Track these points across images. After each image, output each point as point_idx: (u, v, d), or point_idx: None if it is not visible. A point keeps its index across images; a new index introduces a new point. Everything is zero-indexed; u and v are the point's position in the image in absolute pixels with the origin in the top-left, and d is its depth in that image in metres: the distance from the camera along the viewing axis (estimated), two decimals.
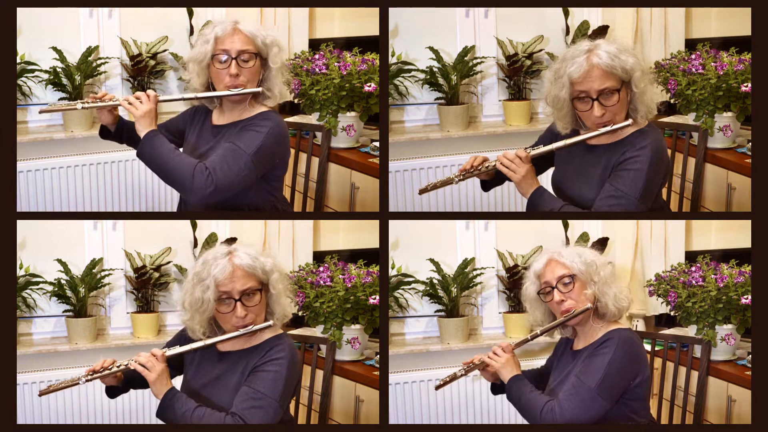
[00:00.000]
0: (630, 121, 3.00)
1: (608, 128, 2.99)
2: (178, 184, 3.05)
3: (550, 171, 3.25)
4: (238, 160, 3.05)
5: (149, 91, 3.13)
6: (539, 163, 3.19)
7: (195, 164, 3.04)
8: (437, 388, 3.18)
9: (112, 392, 3.08)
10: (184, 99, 3.20)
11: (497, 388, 3.16)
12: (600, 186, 3.02)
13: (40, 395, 2.98)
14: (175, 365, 3.04)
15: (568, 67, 2.97)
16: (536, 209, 3.10)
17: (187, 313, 2.92)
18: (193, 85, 3.18)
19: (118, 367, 2.92)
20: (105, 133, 3.28)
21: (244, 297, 2.87)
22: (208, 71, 3.13)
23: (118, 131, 3.24)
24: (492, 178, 3.27)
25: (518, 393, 2.96)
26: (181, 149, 3.24)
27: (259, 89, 3.12)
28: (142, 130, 3.08)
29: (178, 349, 2.93)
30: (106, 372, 2.92)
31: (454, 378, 3.10)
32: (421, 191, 3.27)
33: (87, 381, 2.92)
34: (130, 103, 3.10)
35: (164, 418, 2.87)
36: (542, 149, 3.12)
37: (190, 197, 3.06)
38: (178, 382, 3.01)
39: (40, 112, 3.19)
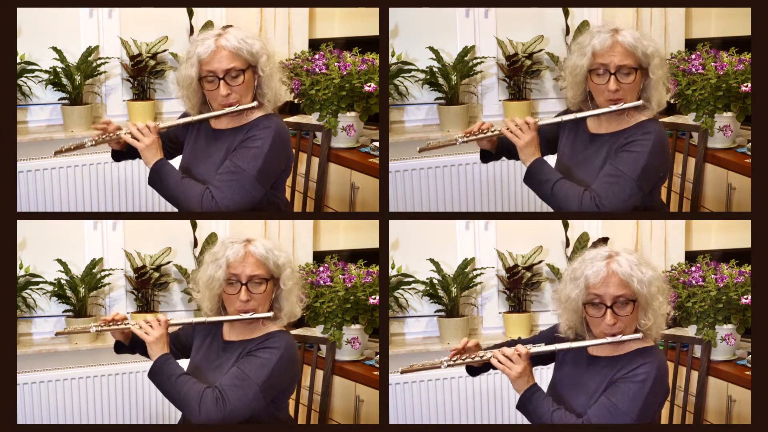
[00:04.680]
0: (641, 101, 3.02)
1: (619, 106, 3.01)
2: (188, 209, 3.11)
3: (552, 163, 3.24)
4: (243, 183, 3.07)
5: (149, 123, 3.13)
6: (542, 150, 3.18)
7: (202, 193, 3.07)
8: (403, 371, 3.04)
9: (119, 347, 3.18)
10: (184, 123, 3.18)
11: (474, 369, 3.05)
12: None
13: (56, 334, 3.18)
14: (180, 348, 3.14)
15: (594, 38, 3.01)
16: (534, 177, 3.09)
17: (199, 290, 3.01)
18: (186, 107, 3.17)
19: (126, 324, 3.03)
20: (118, 155, 3.29)
21: (251, 283, 2.93)
22: (200, 91, 3.11)
23: (130, 151, 3.25)
24: (493, 149, 3.28)
25: (538, 409, 2.83)
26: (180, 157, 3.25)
27: (254, 104, 3.10)
28: (149, 162, 3.12)
29: (181, 320, 3.06)
30: (114, 325, 3.04)
31: (433, 366, 2.97)
32: (421, 149, 3.26)
33: (98, 331, 3.06)
34: (133, 137, 3.12)
35: (154, 380, 2.95)
36: (550, 120, 3.15)
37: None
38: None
39: (56, 154, 3.23)
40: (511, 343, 3.01)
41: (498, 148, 3.30)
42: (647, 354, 2.81)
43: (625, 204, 3.00)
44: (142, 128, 3.11)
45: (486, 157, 3.34)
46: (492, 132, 3.18)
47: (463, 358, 2.97)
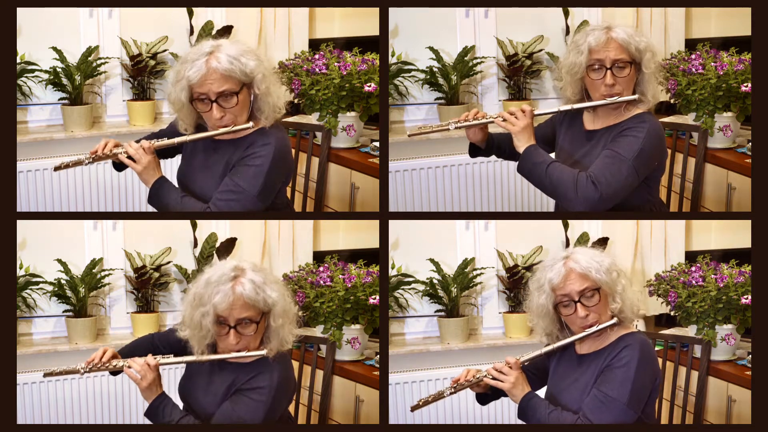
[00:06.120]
0: (637, 96, 3.09)
1: (615, 99, 3.07)
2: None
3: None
4: (244, 203, 3.03)
5: (143, 142, 3.09)
6: (540, 146, 3.19)
7: (203, 211, 3.04)
8: (413, 408, 3.05)
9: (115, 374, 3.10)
10: (179, 143, 3.12)
11: (485, 397, 3.10)
12: None
13: (44, 376, 2.99)
14: (168, 347, 3.05)
15: (588, 36, 3.09)
16: (528, 161, 3.11)
17: (187, 330, 2.89)
18: (179, 127, 3.11)
19: (114, 366, 2.91)
20: (119, 166, 3.23)
21: (240, 326, 2.82)
22: (194, 112, 3.05)
23: None
24: (483, 143, 3.30)
25: (536, 413, 2.88)
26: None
27: (250, 124, 3.03)
28: (148, 182, 3.09)
29: (170, 359, 2.91)
30: (103, 368, 2.92)
31: (439, 397, 3.00)
32: (411, 134, 3.26)
33: (85, 372, 2.93)
34: (129, 157, 3.08)
35: (152, 421, 2.90)
36: (547, 110, 3.20)
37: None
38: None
39: (55, 169, 3.18)
40: None
41: (488, 145, 3.32)
42: (627, 339, 2.87)
43: (620, 184, 3.01)
44: (137, 149, 3.06)
45: (475, 151, 3.36)
46: (486, 119, 3.21)
47: (462, 383, 3.00)
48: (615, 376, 2.82)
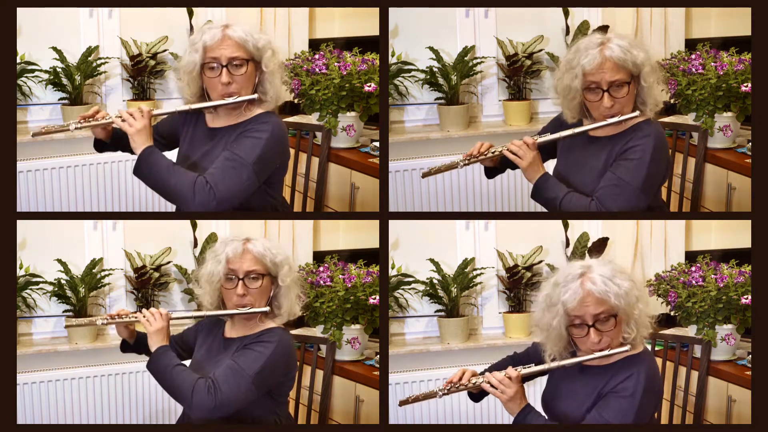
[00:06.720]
0: (637, 112, 3.01)
1: (616, 119, 3.00)
2: (179, 200, 3.05)
3: (552, 164, 3.24)
4: (240, 171, 3.03)
5: (142, 106, 3.09)
6: (542, 155, 3.18)
7: (195, 179, 3.01)
8: (401, 403, 3.02)
9: (125, 346, 3.23)
10: (179, 111, 3.13)
11: (478, 396, 3.06)
12: (601, 177, 3.02)
13: (33, 136, 3.17)
14: (185, 349, 3.21)
15: (582, 58, 2.97)
16: (541, 195, 3.10)
17: (201, 286, 3.07)
18: (185, 94, 3.13)
19: (128, 317, 3.09)
20: (101, 146, 3.24)
21: (248, 278, 2.99)
22: (201, 80, 3.07)
23: (114, 141, 3.20)
24: (496, 165, 3.29)
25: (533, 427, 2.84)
26: (175, 150, 3.22)
27: (254, 96, 3.07)
28: (138, 147, 3.05)
29: (181, 313, 3.15)
30: (119, 320, 3.10)
31: (431, 396, 2.95)
32: (425, 174, 3.28)
33: (105, 324, 3.11)
34: (123, 120, 3.06)
35: (150, 369, 2.98)
36: (549, 137, 3.13)
37: (192, 210, 3.05)
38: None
39: (34, 135, 3.17)
40: (502, 364, 3.03)
41: (501, 163, 3.29)
42: (635, 363, 2.79)
43: (630, 209, 3.00)
44: (134, 112, 3.06)
45: (491, 173, 3.34)
46: (492, 153, 3.17)
47: (457, 386, 2.94)
48: (619, 405, 2.76)
